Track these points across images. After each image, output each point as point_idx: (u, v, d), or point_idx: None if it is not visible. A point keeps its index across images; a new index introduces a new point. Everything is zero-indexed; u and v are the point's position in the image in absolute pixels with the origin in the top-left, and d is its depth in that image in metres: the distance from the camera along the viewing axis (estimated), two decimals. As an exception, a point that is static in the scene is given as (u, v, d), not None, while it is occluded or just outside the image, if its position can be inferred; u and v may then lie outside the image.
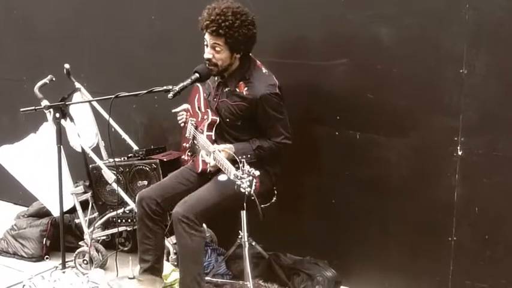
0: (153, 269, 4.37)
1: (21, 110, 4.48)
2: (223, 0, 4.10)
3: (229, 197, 3.97)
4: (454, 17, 3.98)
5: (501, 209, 4.04)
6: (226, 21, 3.97)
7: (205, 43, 4.11)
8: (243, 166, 3.62)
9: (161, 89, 4.03)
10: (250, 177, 3.59)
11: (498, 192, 4.03)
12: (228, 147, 4.00)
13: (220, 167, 3.91)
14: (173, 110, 4.44)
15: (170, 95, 3.97)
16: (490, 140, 4.01)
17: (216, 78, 4.25)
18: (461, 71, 3.99)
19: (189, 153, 4.44)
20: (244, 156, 3.73)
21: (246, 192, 3.59)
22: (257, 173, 3.62)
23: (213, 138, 4.21)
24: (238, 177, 3.61)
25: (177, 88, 3.99)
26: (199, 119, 4.31)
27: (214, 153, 3.93)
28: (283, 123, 4.15)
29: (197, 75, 4.11)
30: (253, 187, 3.60)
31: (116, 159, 4.83)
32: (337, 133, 4.51)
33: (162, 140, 5.27)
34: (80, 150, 4.97)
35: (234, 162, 3.77)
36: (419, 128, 4.23)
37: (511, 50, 3.88)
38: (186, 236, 4.03)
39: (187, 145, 4.44)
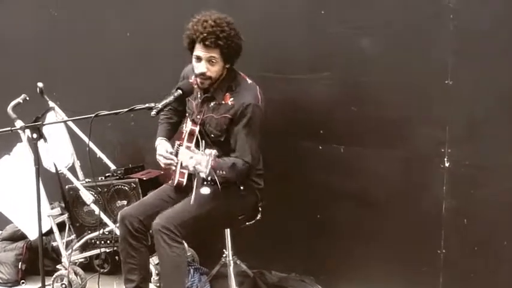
0: (139, 289, 4.26)
1: (-3, 130, 4.35)
2: (207, 12, 4.02)
3: (211, 210, 3.92)
4: (439, 27, 3.98)
5: (490, 220, 4.03)
6: (223, 32, 3.93)
7: (195, 57, 4.02)
8: (202, 150, 3.64)
9: (143, 106, 3.90)
10: (207, 157, 3.56)
11: (486, 204, 4.02)
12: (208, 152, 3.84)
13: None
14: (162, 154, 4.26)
15: (153, 112, 3.85)
16: (477, 151, 4.01)
17: (199, 95, 4.17)
18: (446, 81, 3.98)
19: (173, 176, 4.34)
20: (220, 172, 3.71)
21: (204, 175, 3.59)
22: (213, 151, 3.60)
23: (192, 149, 4.12)
24: (199, 162, 3.58)
25: (160, 105, 3.87)
26: (182, 136, 4.23)
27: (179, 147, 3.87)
28: (253, 143, 4.04)
29: (180, 91, 4.01)
30: (209, 166, 3.56)
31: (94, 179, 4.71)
32: (320, 147, 4.47)
33: (140, 158, 5.17)
34: (54, 170, 4.84)
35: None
36: (405, 140, 4.21)
37: (496, 61, 3.89)
38: (165, 247, 3.95)
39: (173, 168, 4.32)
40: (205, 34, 3.93)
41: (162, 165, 4.26)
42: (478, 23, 3.88)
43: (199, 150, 3.76)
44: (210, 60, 3.99)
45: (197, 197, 3.91)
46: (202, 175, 3.63)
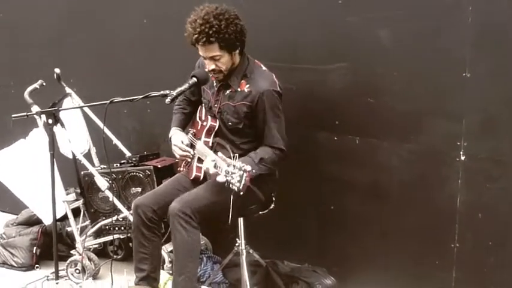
0: (149, 278, 4.26)
1: (13, 116, 4.34)
2: (200, 8, 4.01)
3: (226, 198, 3.87)
4: (457, 19, 3.92)
5: (505, 214, 3.98)
6: (212, 27, 3.90)
7: (201, 56, 4.04)
8: (235, 161, 3.57)
9: (158, 93, 3.91)
10: (241, 172, 3.53)
11: (502, 198, 3.97)
12: (229, 161, 3.91)
13: (216, 169, 3.82)
14: (177, 145, 4.26)
15: (168, 100, 3.86)
16: (494, 145, 3.96)
17: (215, 84, 4.16)
18: (464, 74, 3.93)
19: (184, 164, 4.34)
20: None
21: (236, 188, 3.54)
22: (248, 167, 3.56)
23: (210, 144, 4.13)
24: (229, 173, 3.55)
25: (174, 93, 3.88)
26: (199, 127, 4.24)
27: (216, 161, 3.83)
28: (280, 126, 4.07)
29: (195, 79, 4.02)
30: (243, 182, 3.52)
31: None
32: (336, 138, 4.44)
33: (155, 145, 5.19)
34: (70, 156, 4.87)
35: None
36: (421, 133, 4.17)
37: (515, 53, 3.83)
38: (181, 230, 3.95)
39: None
40: (196, 35, 3.93)
41: (177, 157, 4.27)
42: (497, 15, 3.82)
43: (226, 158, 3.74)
44: (212, 58, 3.99)
45: (214, 184, 3.91)
46: (234, 188, 3.59)
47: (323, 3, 4.38)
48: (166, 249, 4.58)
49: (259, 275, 4.54)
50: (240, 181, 3.53)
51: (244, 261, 4.29)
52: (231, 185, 3.55)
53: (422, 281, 4.28)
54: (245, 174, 3.54)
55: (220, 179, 3.69)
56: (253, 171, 3.79)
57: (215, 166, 3.79)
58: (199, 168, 4.18)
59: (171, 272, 4.56)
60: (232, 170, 3.55)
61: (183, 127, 4.39)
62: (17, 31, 5.85)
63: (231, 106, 4.08)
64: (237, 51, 4.03)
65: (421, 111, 4.14)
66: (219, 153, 3.83)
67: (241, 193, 3.61)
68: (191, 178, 4.23)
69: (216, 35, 3.90)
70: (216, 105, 4.15)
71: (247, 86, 4.04)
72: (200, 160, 4.15)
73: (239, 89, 4.06)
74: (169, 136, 4.33)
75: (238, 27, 3.96)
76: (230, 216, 3.87)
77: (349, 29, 4.29)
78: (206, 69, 4.07)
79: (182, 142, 4.20)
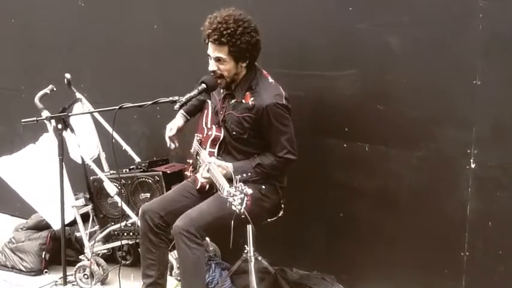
0: (157, 285, 4.27)
1: (23, 121, 4.37)
2: (225, 9, 4.01)
3: (231, 212, 3.81)
4: (468, 26, 3.91)
5: (515, 223, 3.95)
6: (228, 28, 3.89)
7: (208, 55, 4.02)
8: (237, 183, 3.55)
9: (167, 100, 3.92)
10: (242, 195, 3.51)
11: (512, 206, 3.94)
12: (225, 165, 3.92)
13: (215, 182, 3.84)
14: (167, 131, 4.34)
15: (177, 106, 3.87)
16: (504, 153, 3.94)
17: (221, 91, 4.16)
18: (474, 81, 3.92)
19: (192, 169, 4.34)
20: (244, 175, 3.75)
21: (237, 210, 3.52)
22: (249, 191, 3.53)
23: (215, 154, 4.13)
24: (231, 194, 3.53)
25: (183, 99, 3.89)
26: (204, 135, 4.24)
27: (210, 165, 3.87)
28: (288, 136, 4.04)
29: (204, 85, 4.01)
30: (244, 205, 3.51)
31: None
32: (345, 145, 4.42)
33: (164, 151, 5.16)
34: (80, 161, 4.87)
35: (231, 180, 3.67)
36: (430, 140, 4.14)
37: (526, 61, 3.81)
38: (186, 249, 3.95)
39: (191, 161, 4.39)
40: (210, 31, 3.94)
41: (166, 138, 4.32)
42: (508, 23, 3.80)
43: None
44: (218, 60, 3.98)
45: (218, 199, 3.91)
46: (235, 209, 3.56)
47: (333, 10, 4.37)
48: (174, 255, 4.56)
49: (267, 282, 4.51)
50: (241, 204, 3.52)
51: (252, 268, 4.28)
52: (232, 206, 3.54)
53: (432, 289, 4.26)
54: (246, 198, 3.52)
55: (223, 194, 3.69)
56: (249, 174, 3.85)
57: (208, 171, 3.84)
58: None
59: (179, 278, 4.56)
60: (233, 192, 3.54)
61: (191, 113, 4.43)
62: (29, 36, 5.87)
63: (235, 116, 4.07)
64: (245, 64, 4.01)
65: (430, 118, 4.12)
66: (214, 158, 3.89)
67: (243, 216, 3.59)
68: (197, 188, 4.22)
69: (228, 38, 3.89)
70: (221, 112, 4.15)
71: (252, 99, 4.02)
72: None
73: (243, 101, 4.05)
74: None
75: (253, 40, 3.95)
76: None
77: (359, 35, 4.27)
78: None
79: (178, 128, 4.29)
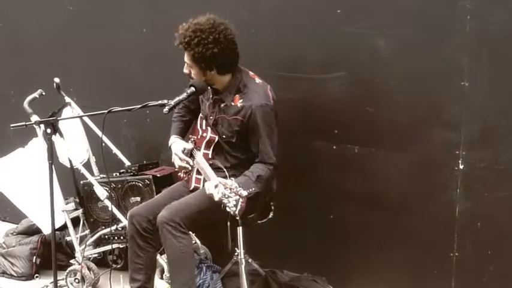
0: (144, 289, 4.26)
1: (11, 125, 4.34)
2: (204, 15, 4.03)
3: (217, 205, 3.81)
4: (455, 28, 3.93)
5: (504, 223, 3.99)
6: (185, 37, 3.97)
7: None
8: (232, 185, 3.57)
9: (156, 103, 3.92)
10: (237, 197, 3.52)
11: (501, 207, 3.97)
12: (230, 183, 3.90)
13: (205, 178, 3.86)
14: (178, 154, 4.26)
15: (165, 109, 3.87)
16: (492, 154, 3.96)
17: (210, 96, 4.17)
18: (462, 83, 3.94)
19: (184, 171, 4.34)
20: (250, 190, 3.71)
21: (231, 212, 3.53)
22: (244, 193, 3.56)
23: (210, 156, 4.14)
24: (226, 196, 3.54)
25: (172, 102, 3.89)
26: (199, 137, 4.24)
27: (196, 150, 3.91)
28: (273, 141, 4.05)
29: (193, 88, 4.02)
30: (239, 207, 3.52)
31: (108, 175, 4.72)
32: (334, 147, 4.44)
33: (154, 155, 5.17)
34: (69, 166, 4.86)
35: None
36: (419, 142, 4.17)
37: (513, 62, 3.83)
38: (172, 239, 3.96)
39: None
40: (177, 36, 4.01)
41: (177, 166, 4.26)
42: (495, 24, 3.83)
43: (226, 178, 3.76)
44: (187, 64, 4.05)
45: (204, 192, 3.88)
46: (230, 211, 3.59)
47: (321, 12, 4.38)
48: (164, 258, 4.56)
49: (258, 284, 4.51)
50: (235, 205, 3.53)
51: (243, 270, 4.26)
52: (227, 208, 3.55)
53: (422, 289, 4.28)
54: (241, 200, 3.54)
55: (216, 198, 3.69)
56: (253, 189, 3.80)
57: (217, 188, 3.77)
58: (198, 180, 4.17)
59: (169, 281, 4.55)
60: (228, 194, 3.55)
61: (183, 135, 4.38)
62: (17, 41, 5.85)
63: (226, 119, 4.08)
64: (213, 72, 4.03)
65: (419, 120, 4.14)
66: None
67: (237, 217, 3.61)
68: (190, 189, 4.22)
69: (186, 45, 3.98)
70: (211, 117, 4.16)
71: (241, 100, 4.04)
72: (199, 172, 4.15)
73: (233, 103, 4.06)
74: (169, 144, 4.33)
75: (208, 51, 3.93)
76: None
77: (347, 38, 4.29)
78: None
79: (184, 150, 4.18)
